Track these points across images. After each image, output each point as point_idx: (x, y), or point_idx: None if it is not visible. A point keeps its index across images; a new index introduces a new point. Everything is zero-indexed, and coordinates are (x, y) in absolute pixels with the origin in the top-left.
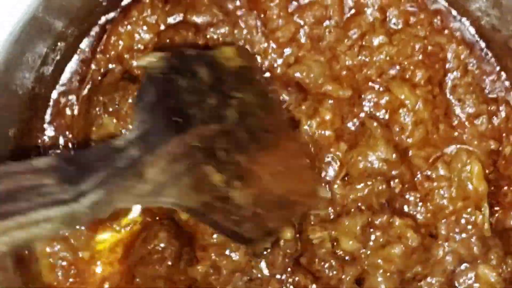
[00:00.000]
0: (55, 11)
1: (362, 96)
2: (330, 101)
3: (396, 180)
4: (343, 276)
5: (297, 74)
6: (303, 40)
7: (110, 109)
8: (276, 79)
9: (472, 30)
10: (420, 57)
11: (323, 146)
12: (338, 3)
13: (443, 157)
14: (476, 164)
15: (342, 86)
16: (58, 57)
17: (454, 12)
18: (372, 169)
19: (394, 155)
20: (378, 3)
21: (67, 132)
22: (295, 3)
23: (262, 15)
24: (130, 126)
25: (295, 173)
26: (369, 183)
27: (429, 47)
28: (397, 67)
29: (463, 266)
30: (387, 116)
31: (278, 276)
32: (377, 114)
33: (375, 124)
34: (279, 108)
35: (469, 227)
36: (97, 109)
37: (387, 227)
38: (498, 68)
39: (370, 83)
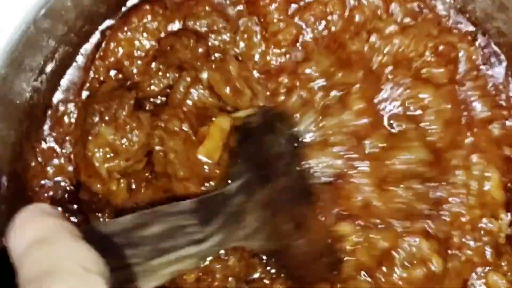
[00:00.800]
0: (54, 19)
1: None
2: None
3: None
4: None
5: (308, 71)
6: (307, 38)
7: (107, 118)
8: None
9: (480, 35)
10: (433, 55)
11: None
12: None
13: (462, 163)
14: (495, 171)
15: (352, 70)
16: (56, 65)
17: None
18: (410, 171)
19: (429, 157)
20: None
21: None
22: (294, 5)
23: (262, 19)
24: (129, 135)
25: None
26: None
27: (441, 46)
28: (412, 64)
29: (473, 274)
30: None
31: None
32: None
33: (410, 125)
34: None
35: (484, 236)
36: (94, 118)
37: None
38: (508, 72)
39: (389, 77)
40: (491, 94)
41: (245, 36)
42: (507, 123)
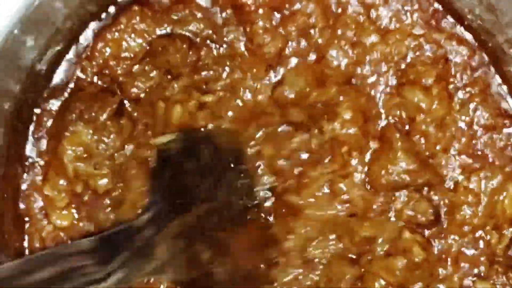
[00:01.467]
0: (43, 18)
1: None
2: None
3: (426, 188)
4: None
5: (282, 96)
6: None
7: (86, 117)
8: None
9: (469, 35)
10: (418, 54)
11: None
12: (320, 8)
13: (476, 172)
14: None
15: (326, 87)
16: (45, 66)
17: (449, 17)
18: (395, 181)
19: (415, 165)
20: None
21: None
22: (278, 14)
23: (248, 29)
24: (106, 140)
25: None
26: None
27: (427, 45)
28: (397, 66)
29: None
30: (407, 127)
31: None
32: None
33: (397, 135)
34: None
35: (481, 245)
36: (73, 115)
37: (395, 239)
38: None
39: (380, 87)
40: (491, 100)
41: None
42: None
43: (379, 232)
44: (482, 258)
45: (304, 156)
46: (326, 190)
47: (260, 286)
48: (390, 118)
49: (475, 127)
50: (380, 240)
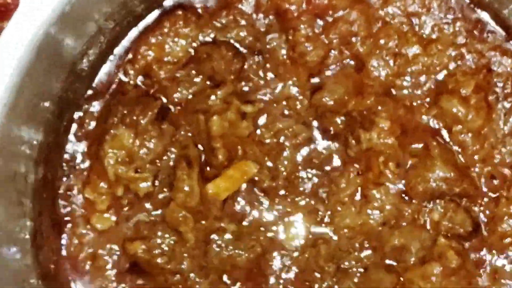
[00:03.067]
0: (82, 15)
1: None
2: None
3: (465, 200)
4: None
5: (322, 102)
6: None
7: (127, 120)
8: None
9: None
10: (459, 63)
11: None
12: (363, 16)
13: None
14: None
15: (365, 97)
16: (87, 67)
17: (492, 23)
18: (432, 189)
19: (452, 173)
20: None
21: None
22: (320, 22)
23: (290, 37)
24: (147, 144)
25: None
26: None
27: (468, 54)
28: (433, 76)
29: None
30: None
31: None
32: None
33: (434, 143)
34: None
35: None
36: (115, 118)
37: (430, 247)
38: None
39: (419, 98)
40: None
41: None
42: None
43: (410, 241)
44: None
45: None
46: (358, 197)
47: None
48: (429, 128)
49: None
50: (413, 248)
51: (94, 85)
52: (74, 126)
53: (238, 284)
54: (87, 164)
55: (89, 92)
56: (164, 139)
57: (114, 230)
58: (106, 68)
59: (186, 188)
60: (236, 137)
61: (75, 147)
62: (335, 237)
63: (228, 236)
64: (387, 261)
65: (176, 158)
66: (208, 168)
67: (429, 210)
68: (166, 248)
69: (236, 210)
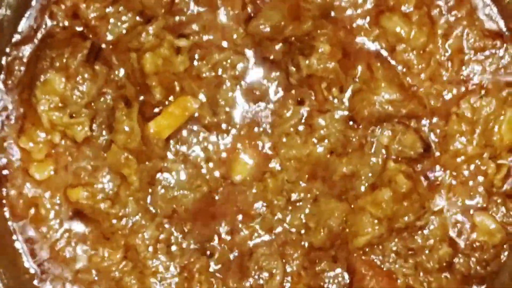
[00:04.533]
0: None
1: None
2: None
3: (413, 121)
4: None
5: (258, 30)
6: None
7: (57, 64)
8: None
9: None
10: None
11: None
12: None
13: (468, 98)
14: (511, 111)
15: (302, 22)
16: (8, 11)
17: None
18: (378, 112)
19: (397, 94)
20: None
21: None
22: None
23: None
24: (80, 87)
25: None
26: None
27: None
28: None
29: (459, 217)
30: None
31: None
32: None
33: (378, 64)
34: None
35: (479, 177)
36: (44, 63)
37: (380, 172)
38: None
39: (359, 18)
40: (479, 22)
41: None
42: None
43: (359, 167)
44: (479, 189)
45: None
46: (301, 128)
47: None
48: (371, 49)
49: (464, 52)
50: (363, 175)
51: (20, 30)
52: (3, 74)
53: (188, 225)
54: (20, 112)
55: (16, 38)
56: (98, 80)
57: (54, 179)
58: (31, 12)
59: (127, 129)
60: (171, 74)
61: (6, 96)
62: (282, 170)
63: (172, 176)
64: (337, 190)
65: (113, 98)
66: (147, 107)
67: (377, 134)
68: (109, 193)
69: (179, 148)
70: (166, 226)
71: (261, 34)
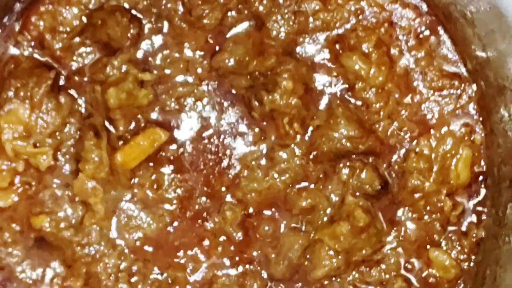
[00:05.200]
0: None
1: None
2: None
3: (373, 158)
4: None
5: (222, 64)
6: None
7: (22, 94)
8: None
9: None
10: (361, 18)
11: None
12: None
13: (426, 136)
14: (468, 150)
15: (266, 57)
16: None
17: None
18: (336, 148)
19: (356, 131)
20: None
21: None
22: None
23: (186, 0)
24: (45, 116)
25: None
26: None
27: (369, 9)
28: (335, 32)
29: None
30: (349, 94)
31: None
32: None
33: (338, 102)
34: None
35: (436, 213)
36: (9, 93)
37: (338, 206)
38: (447, 39)
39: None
40: (438, 62)
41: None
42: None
43: (318, 201)
44: (436, 225)
45: (243, 128)
46: (263, 161)
47: None
48: (331, 86)
49: (422, 91)
50: (321, 209)
51: None
52: None
53: (149, 254)
54: None
55: None
56: (63, 110)
57: (17, 206)
58: None
59: (96, 159)
60: (135, 107)
61: None
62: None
63: (136, 205)
64: (297, 223)
65: (80, 128)
66: (112, 137)
67: (335, 170)
68: (73, 221)
69: (145, 178)
70: (129, 255)
71: (225, 68)
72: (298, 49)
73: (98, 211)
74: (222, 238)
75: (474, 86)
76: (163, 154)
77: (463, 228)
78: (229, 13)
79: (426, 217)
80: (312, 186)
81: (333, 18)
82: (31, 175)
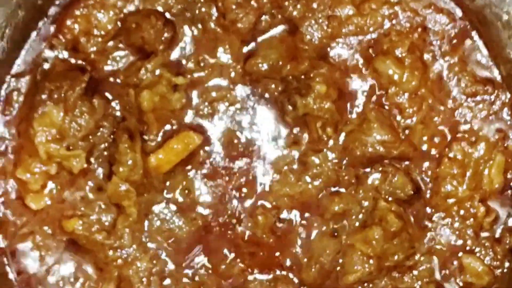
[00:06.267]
0: None
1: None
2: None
3: (406, 163)
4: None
5: (256, 68)
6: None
7: (56, 96)
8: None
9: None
10: (394, 23)
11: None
12: None
13: (459, 142)
14: (501, 156)
15: (299, 62)
16: (7, 43)
17: None
18: (369, 153)
19: (389, 136)
20: None
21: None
22: None
23: (220, 4)
24: (78, 120)
25: None
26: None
27: (402, 13)
28: (369, 36)
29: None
30: (383, 98)
31: None
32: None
33: (371, 106)
34: None
35: (469, 219)
36: (43, 95)
37: (371, 211)
38: (481, 44)
39: (351, 63)
40: (471, 67)
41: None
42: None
43: (350, 206)
44: (468, 231)
45: (276, 132)
46: (296, 166)
47: None
48: (365, 91)
49: (456, 97)
50: (354, 213)
51: (19, 61)
52: (1, 105)
53: (182, 258)
54: (17, 143)
55: (15, 68)
56: (96, 114)
57: (50, 209)
58: (31, 44)
59: (129, 162)
60: (168, 110)
61: (4, 127)
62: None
63: (170, 209)
64: (329, 228)
65: (114, 131)
66: (144, 141)
67: (368, 175)
68: (106, 224)
69: (178, 182)
70: (161, 258)
71: (258, 72)
72: (331, 53)
73: (130, 214)
74: (254, 242)
75: (508, 92)
76: (196, 158)
77: (497, 235)
78: (263, 17)
79: (459, 223)
80: (344, 190)
81: (366, 22)
82: (64, 178)
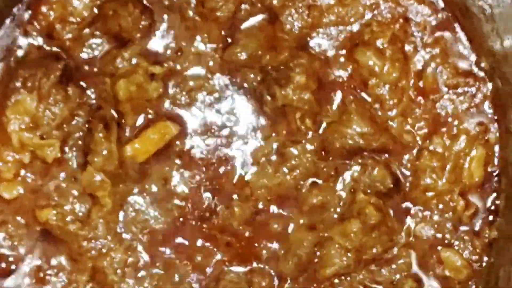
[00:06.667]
0: None
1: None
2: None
3: (386, 155)
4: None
5: (234, 57)
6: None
7: (30, 84)
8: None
9: None
10: (376, 13)
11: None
12: None
13: (440, 134)
14: (482, 149)
15: (279, 52)
16: None
17: None
18: (349, 145)
19: (369, 128)
20: None
21: None
22: None
23: None
24: (53, 108)
25: None
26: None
27: (384, 4)
28: (349, 27)
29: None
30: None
31: None
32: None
33: (351, 97)
34: None
35: (448, 213)
36: (16, 83)
37: (349, 203)
38: (463, 35)
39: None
40: (452, 60)
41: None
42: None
43: (329, 198)
44: (447, 225)
45: (255, 123)
46: (274, 157)
47: None
48: (345, 82)
49: (437, 88)
50: (332, 206)
51: None
52: None
53: (157, 249)
54: None
55: None
56: (70, 102)
57: (23, 198)
58: (4, 31)
59: (104, 152)
60: (145, 100)
61: None
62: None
63: (145, 199)
64: (307, 220)
65: (87, 121)
66: (120, 130)
67: (347, 167)
68: (80, 214)
69: (154, 172)
70: (136, 249)
71: (237, 61)
72: (311, 43)
73: (105, 205)
74: (230, 234)
75: (489, 85)
76: (173, 148)
77: (476, 228)
78: (242, 6)
79: (438, 216)
80: (323, 183)
81: (347, 12)
82: (37, 167)
